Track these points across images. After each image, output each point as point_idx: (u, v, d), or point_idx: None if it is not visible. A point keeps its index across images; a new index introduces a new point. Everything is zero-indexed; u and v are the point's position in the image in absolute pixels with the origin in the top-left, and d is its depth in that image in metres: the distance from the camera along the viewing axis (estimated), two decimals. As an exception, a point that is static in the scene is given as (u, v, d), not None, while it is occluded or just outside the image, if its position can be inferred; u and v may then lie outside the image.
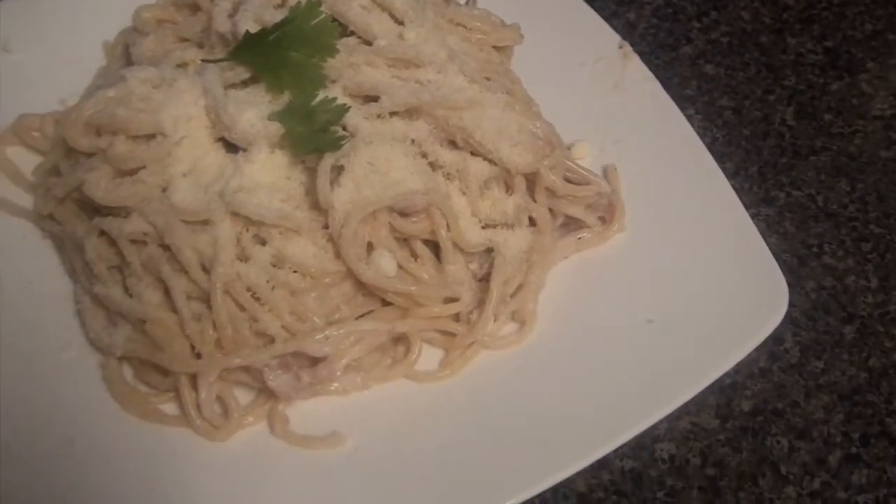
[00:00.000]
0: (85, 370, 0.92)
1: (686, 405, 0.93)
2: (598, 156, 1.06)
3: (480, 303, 0.95)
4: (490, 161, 0.95)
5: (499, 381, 0.93)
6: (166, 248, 0.90)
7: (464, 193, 0.96)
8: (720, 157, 1.07)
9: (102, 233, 0.93)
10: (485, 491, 0.84)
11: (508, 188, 0.97)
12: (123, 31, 1.14)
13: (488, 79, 1.00)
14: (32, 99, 1.08)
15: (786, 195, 1.13)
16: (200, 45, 1.05)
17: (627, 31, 1.26)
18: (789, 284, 0.94)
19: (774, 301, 0.92)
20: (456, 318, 0.95)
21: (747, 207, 1.00)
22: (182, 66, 1.01)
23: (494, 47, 1.05)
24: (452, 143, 0.96)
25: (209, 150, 0.93)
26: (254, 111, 0.92)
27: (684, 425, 0.95)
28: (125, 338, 0.91)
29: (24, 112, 1.06)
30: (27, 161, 1.05)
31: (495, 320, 0.95)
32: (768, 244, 0.97)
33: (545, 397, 0.91)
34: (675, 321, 0.94)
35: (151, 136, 0.93)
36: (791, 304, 1.00)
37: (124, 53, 1.12)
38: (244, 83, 0.96)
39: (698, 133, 1.06)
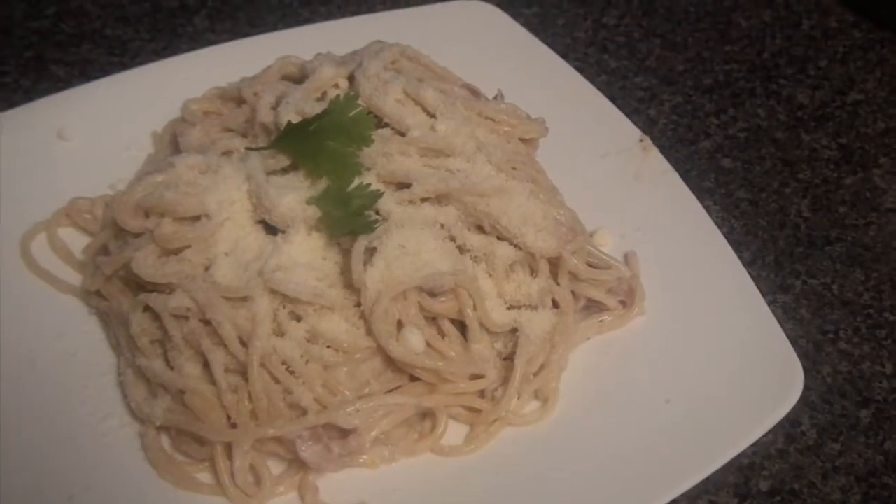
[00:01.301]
0: (125, 438, 0.96)
1: (704, 484, 0.96)
2: (618, 243, 1.11)
3: (505, 380, 0.98)
4: (515, 245, 1.00)
5: (521, 457, 0.96)
6: (207, 322, 0.94)
7: (490, 276, 1.00)
8: (737, 246, 1.11)
9: (147, 308, 0.98)
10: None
11: (533, 271, 1.02)
12: (171, 122, 1.22)
13: (514, 168, 1.05)
14: (84, 183, 1.15)
15: (802, 283, 1.16)
16: (244, 135, 1.12)
17: (648, 127, 1.31)
18: (805, 369, 0.98)
19: (790, 383, 0.95)
20: (481, 394, 0.98)
21: (764, 294, 1.04)
22: (227, 153, 1.07)
23: (521, 139, 1.11)
24: (480, 228, 1.01)
25: (250, 232, 0.99)
26: (293, 195, 0.98)
27: (703, 504, 0.97)
28: (165, 408, 0.95)
29: (77, 195, 1.13)
30: (77, 241, 1.11)
31: (519, 398, 0.98)
32: (785, 330, 1.01)
33: (566, 474, 0.93)
34: (693, 402, 0.97)
35: (196, 218, 0.98)
36: (807, 388, 1.03)
37: (172, 142, 1.20)
38: (284, 170, 1.03)
39: (716, 223, 1.11)
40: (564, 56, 1.32)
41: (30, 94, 1.32)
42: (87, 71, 1.40)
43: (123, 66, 1.33)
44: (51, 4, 1.52)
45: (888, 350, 1.09)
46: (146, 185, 1.02)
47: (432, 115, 1.06)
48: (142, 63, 1.32)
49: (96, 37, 1.47)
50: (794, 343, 1.00)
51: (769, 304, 1.04)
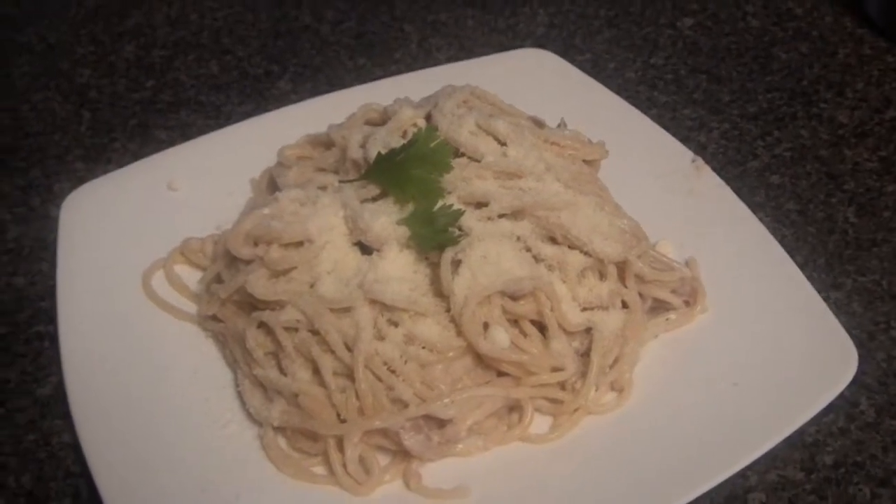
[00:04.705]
0: (246, 440, 1.07)
1: (773, 460, 1.05)
2: (679, 251, 1.21)
3: (583, 374, 1.08)
4: (585, 253, 1.10)
5: (603, 442, 1.05)
6: (315, 332, 1.06)
7: (564, 281, 1.10)
8: (790, 252, 1.19)
9: (261, 324, 1.10)
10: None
11: (602, 276, 1.12)
12: (267, 169, 1.35)
13: (580, 185, 1.16)
14: (194, 226, 1.27)
15: (853, 281, 1.25)
16: (335, 172, 1.25)
17: (699, 151, 1.41)
18: (861, 356, 1.06)
19: (845, 362, 1.04)
20: (562, 386, 1.08)
21: (818, 292, 1.14)
22: (322, 188, 1.20)
23: (584, 161, 1.22)
24: (552, 239, 1.11)
25: (348, 252, 1.11)
26: (385, 218, 1.10)
27: (773, 478, 1.05)
28: (280, 410, 1.06)
29: (188, 236, 1.26)
30: (190, 276, 1.24)
31: (597, 389, 1.08)
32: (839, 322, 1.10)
33: (645, 454, 1.02)
34: (758, 383, 1.06)
35: (300, 244, 1.10)
36: (863, 373, 1.12)
37: (269, 186, 1.33)
38: (375, 198, 1.14)
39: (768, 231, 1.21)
40: (618, 94, 1.45)
41: (137, 157, 1.45)
42: (187, 133, 1.53)
43: (218, 127, 1.46)
44: (150, 78, 1.68)
45: (938, 336, 1.18)
46: (254, 217, 1.15)
47: (503, 143, 1.16)
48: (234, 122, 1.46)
49: (192, 103, 1.62)
50: (848, 333, 1.08)
51: (823, 300, 1.13)
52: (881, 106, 1.52)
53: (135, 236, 1.28)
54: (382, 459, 1.05)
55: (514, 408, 1.08)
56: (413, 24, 1.77)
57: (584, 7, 1.79)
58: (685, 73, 1.62)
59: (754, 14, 1.75)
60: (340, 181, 1.19)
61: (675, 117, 1.52)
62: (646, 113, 1.41)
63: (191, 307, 1.22)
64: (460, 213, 1.10)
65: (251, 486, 1.03)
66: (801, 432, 1.05)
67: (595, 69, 1.62)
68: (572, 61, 1.53)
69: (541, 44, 1.67)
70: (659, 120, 1.43)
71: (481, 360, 1.07)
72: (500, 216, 1.11)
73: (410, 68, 1.65)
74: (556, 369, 1.07)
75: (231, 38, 1.77)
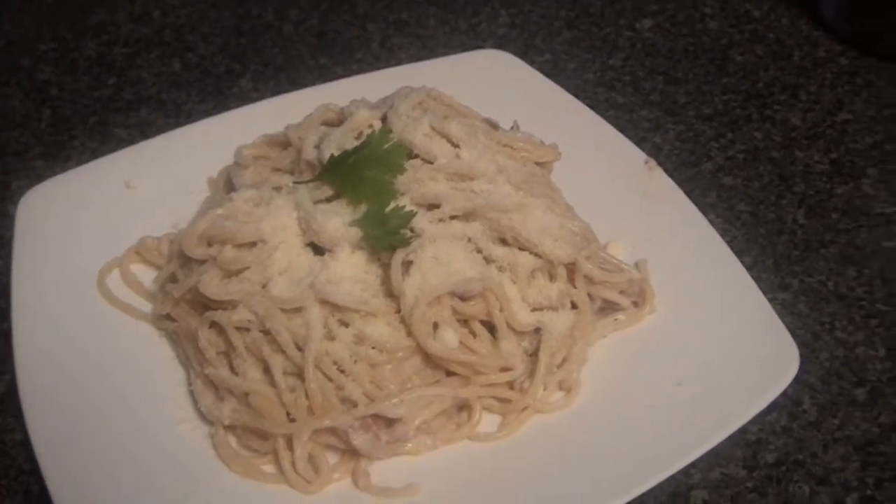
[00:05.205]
0: (197, 439, 1.07)
1: (716, 458, 1.07)
2: (630, 252, 1.22)
3: (531, 374, 1.10)
4: (535, 254, 1.11)
5: (549, 439, 1.06)
6: (266, 332, 1.07)
7: (514, 282, 1.11)
8: (739, 253, 1.21)
9: (213, 324, 1.10)
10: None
11: (552, 277, 1.13)
12: (225, 168, 1.35)
13: (532, 187, 1.18)
14: (151, 225, 1.28)
15: (799, 282, 1.27)
16: (291, 173, 1.26)
17: (654, 153, 1.43)
18: (804, 356, 1.08)
19: (787, 361, 1.06)
20: (510, 386, 1.10)
21: (764, 293, 1.14)
22: (277, 188, 1.21)
23: (536, 163, 1.23)
24: (503, 241, 1.12)
25: (301, 253, 1.11)
26: (338, 219, 1.11)
27: (716, 475, 1.07)
28: (231, 409, 1.06)
29: (145, 235, 1.26)
30: (146, 275, 1.24)
31: (545, 388, 1.10)
32: (784, 323, 1.11)
33: (591, 452, 1.04)
34: (702, 383, 1.07)
35: (253, 244, 1.10)
36: (807, 372, 1.15)
37: (226, 185, 1.33)
38: (328, 199, 1.15)
39: (719, 233, 1.22)
40: (576, 95, 1.45)
41: (96, 155, 1.45)
42: (147, 132, 1.53)
43: (178, 125, 1.46)
44: (112, 75, 1.68)
45: (881, 336, 1.19)
46: (208, 218, 1.15)
47: (456, 146, 1.17)
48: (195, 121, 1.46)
49: (153, 102, 1.62)
50: (793, 333, 1.09)
51: (769, 301, 1.14)
52: (833, 108, 1.54)
53: (92, 234, 1.28)
54: (331, 458, 1.06)
55: (463, 407, 1.09)
56: (375, 24, 1.78)
57: (546, 8, 1.80)
58: (643, 75, 1.63)
59: (712, 16, 1.76)
60: (295, 182, 1.19)
61: (633, 119, 1.54)
62: (604, 114, 1.42)
63: (146, 306, 1.22)
64: (412, 215, 1.11)
65: (201, 484, 1.04)
66: (743, 431, 1.08)
67: (555, 70, 1.64)
68: (532, 62, 1.55)
69: (502, 44, 1.69)
70: (616, 121, 1.44)
71: (430, 360, 1.08)
72: (452, 218, 1.12)
73: (372, 67, 1.66)
74: (504, 369, 1.08)
75: (193, 36, 1.77)
